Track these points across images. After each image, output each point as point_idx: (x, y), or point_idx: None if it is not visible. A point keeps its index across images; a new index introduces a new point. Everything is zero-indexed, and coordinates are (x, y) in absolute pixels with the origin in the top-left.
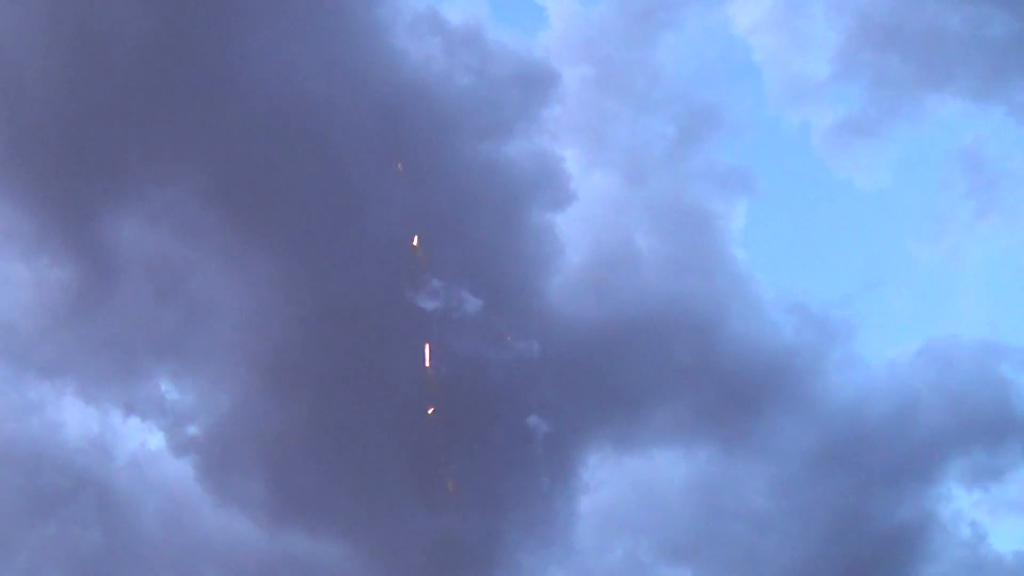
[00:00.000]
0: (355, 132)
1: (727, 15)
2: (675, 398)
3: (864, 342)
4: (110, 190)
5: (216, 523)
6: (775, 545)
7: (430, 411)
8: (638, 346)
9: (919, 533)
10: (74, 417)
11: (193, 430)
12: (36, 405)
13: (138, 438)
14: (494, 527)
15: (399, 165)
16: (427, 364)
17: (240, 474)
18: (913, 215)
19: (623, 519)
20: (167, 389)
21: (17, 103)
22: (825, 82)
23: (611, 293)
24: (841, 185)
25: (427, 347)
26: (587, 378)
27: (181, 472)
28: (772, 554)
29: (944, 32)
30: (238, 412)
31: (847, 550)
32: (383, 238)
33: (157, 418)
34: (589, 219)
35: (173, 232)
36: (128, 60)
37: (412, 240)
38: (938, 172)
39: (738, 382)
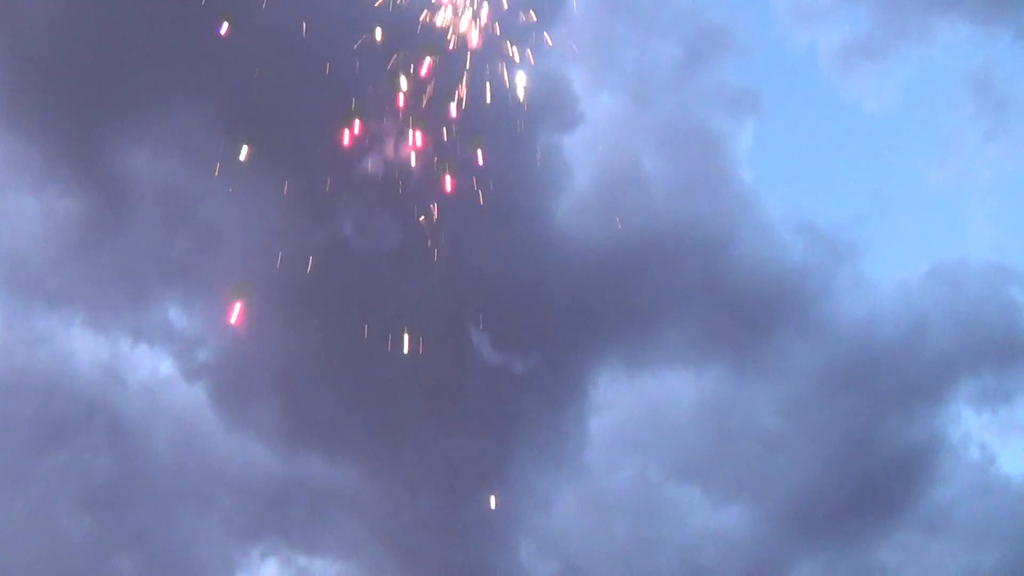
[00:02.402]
0: (364, 56)
1: None
2: (684, 319)
3: (873, 263)
4: (117, 119)
5: (229, 448)
6: (784, 465)
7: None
8: (647, 267)
9: (928, 455)
10: (84, 346)
11: (203, 355)
12: (45, 336)
13: (148, 365)
14: (505, 447)
15: None
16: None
17: (253, 399)
18: (921, 138)
19: (633, 439)
20: (175, 315)
21: (21, 35)
22: (832, 3)
23: (619, 214)
24: (849, 107)
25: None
26: (597, 299)
27: (194, 398)
28: (781, 474)
29: None
30: (249, 337)
31: (857, 471)
32: (392, 167)
33: (166, 344)
34: (596, 140)
35: (181, 159)
36: None
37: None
38: (946, 95)
39: (747, 303)
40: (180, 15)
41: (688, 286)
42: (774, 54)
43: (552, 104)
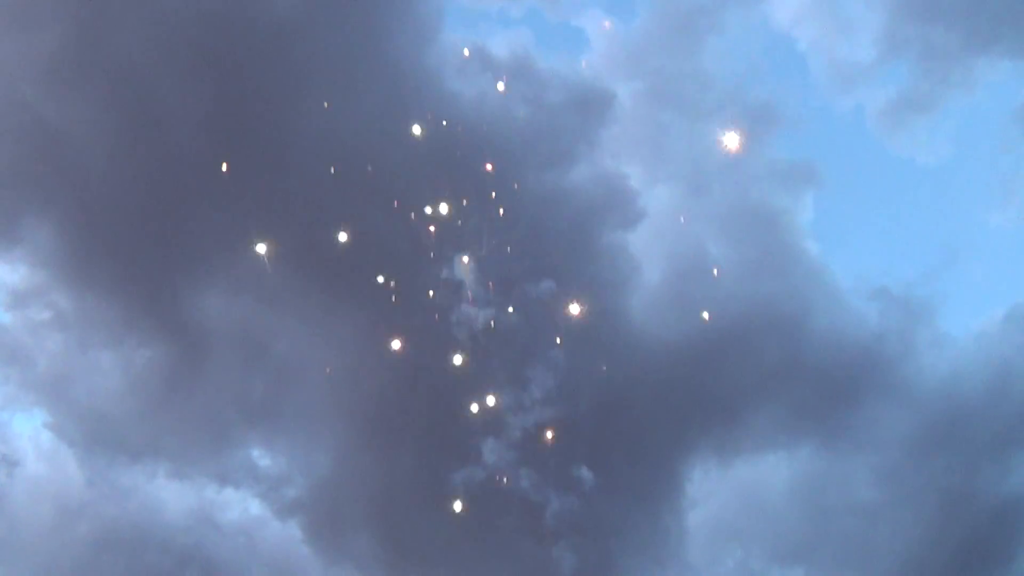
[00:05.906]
0: (420, 179)
1: (765, 12)
2: (769, 401)
3: (949, 318)
4: (189, 266)
5: None
6: (887, 535)
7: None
8: (726, 354)
9: None
10: (170, 495)
11: (292, 492)
12: (131, 489)
13: (237, 508)
14: (606, 553)
15: None
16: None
17: (349, 530)
18: (978, 183)
19: (732, 528)
20: (259, 456)
21: (88, 192)
22: (873, 63)
23: (692, 304)
24: (903, 163)
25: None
26: (680, 394)
27: (288, 535)
28: (885, 544)
29: None
30: (338, 469)
31: (960, 528)
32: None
33: (252, 486)
34: (660, 234)
35: (255, 300)
36: (191, 137)
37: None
38: (997, 136)
39: (830, 376)
40: (239, 158)
41: (769, 368)
42: (822, 122)
43: (612, 203)
